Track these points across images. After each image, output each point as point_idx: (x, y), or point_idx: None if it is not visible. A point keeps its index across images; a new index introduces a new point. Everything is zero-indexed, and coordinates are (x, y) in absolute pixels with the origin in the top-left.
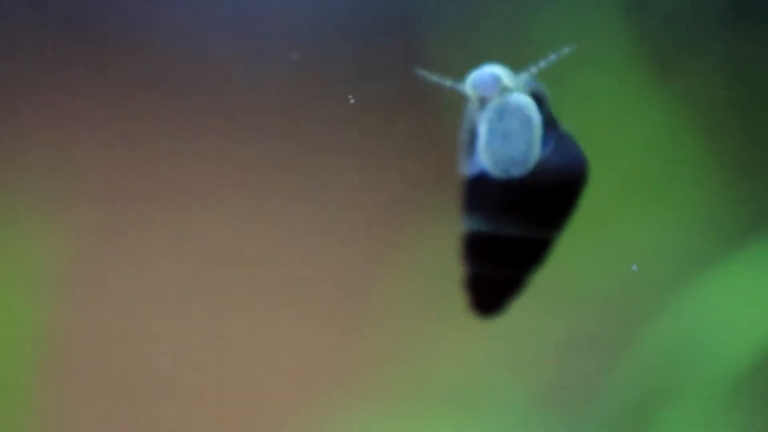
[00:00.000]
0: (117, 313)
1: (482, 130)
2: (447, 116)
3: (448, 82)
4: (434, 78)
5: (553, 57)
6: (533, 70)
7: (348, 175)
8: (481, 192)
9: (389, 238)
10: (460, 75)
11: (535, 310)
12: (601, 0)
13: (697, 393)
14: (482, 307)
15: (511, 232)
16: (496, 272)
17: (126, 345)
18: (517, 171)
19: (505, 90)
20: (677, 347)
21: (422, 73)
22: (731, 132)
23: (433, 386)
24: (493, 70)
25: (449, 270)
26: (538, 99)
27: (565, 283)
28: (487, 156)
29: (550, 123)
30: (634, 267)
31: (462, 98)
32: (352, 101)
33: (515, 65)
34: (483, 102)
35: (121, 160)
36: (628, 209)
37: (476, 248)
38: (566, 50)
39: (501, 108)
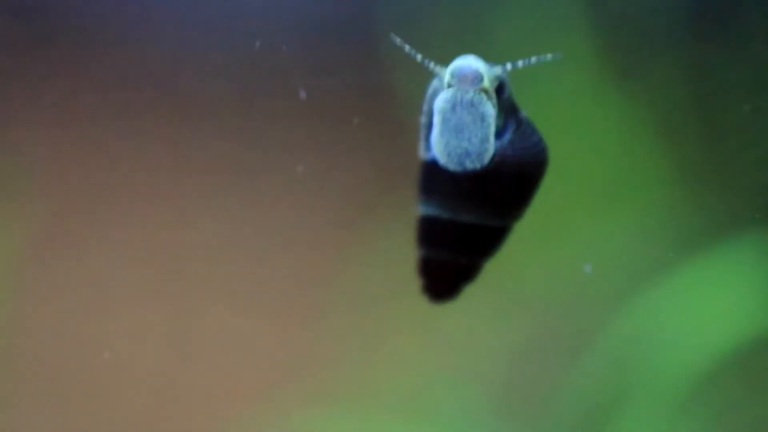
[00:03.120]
0: (69, 312)
1: (435, 119)
2: (400, 111)
3: (419, 56)
4: (407, 48)
5: (533, 59)
6: (509, 66)
7: (299, 170)
8: (438, 176)
9: (343, 236)
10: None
11: (488, 312)
12: (567, 8)
13: (652, 398)
14: (435, 291)
15: (467, 218)
16: (450, 257)
17: (78, 343)
18: (472, 164)
19: (481, 90)
20: (632, 351)
21: (397, 40)
22: (690, 135)
23: (386, 388)
24: (478, 66)
25: (404, 269)
26: (500, 85)
27: (519, 284)
28: (441, 147)
29: (510, 109)
30: (587, 268)
31: (418, 85)
32: (303, 96)
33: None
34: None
35: (72, 156)
36: (584, 210)
37: (431, 232)
38: (549, 57)
39: (453, 99)
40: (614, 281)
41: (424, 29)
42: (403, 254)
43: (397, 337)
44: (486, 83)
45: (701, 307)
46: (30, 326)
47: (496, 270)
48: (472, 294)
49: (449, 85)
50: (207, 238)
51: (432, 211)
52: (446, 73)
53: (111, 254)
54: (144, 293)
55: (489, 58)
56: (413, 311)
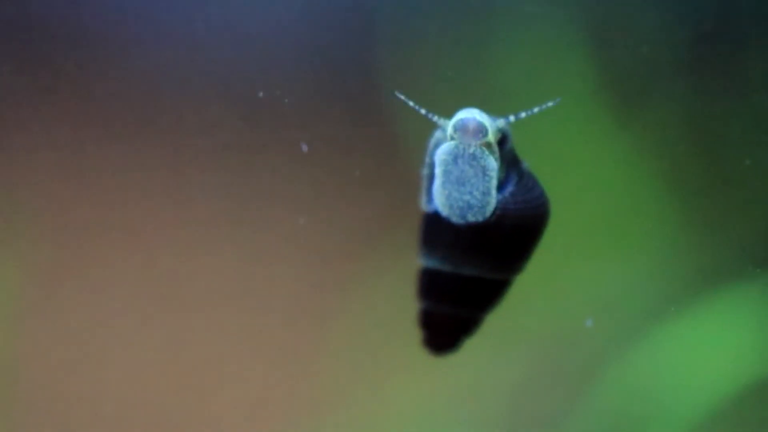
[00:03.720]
0: (69, 343)
1: (437, 171)
2: (402, 163)
3: (422, 110)
4: (411, 104)
5: (535, 110)
6: (512, 118)
7: (301, 222)
8: (440, 229)
9: (344, 288)
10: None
11: (489, 362)
12: (565, 43)
13: None
14: (435, 343)
15: (468, 271)
16: (451, 310)
17: (78, 375)
18: (474, 217)
19: (484, 144)
20: (633, 399)
21: (400, 96)
22: (691, 186)
23: (390, 423)
24: (482, 119)
25: (404, 318)
26: (503, 137)
27: (522, 333)
28: (442, 199)
29: (512, 161)
30: (589, 323)
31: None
32: (304, 149)
33: (473, 102)
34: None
35: (73, 192)
36: (586, 261)
37: (432, 285)
38: (550, 104)
39: (455, 152)
40: (615, 332)
41: (425, 76)
42: (403, 305)
43: (402, 373)
44: (489, 137)
45: (701, 355)
46: (30, 360)
47: (497, 320)
48: (473, 345)
49: (452, 138)
50: (209, 288)
51: (433, 263)
52: (449, 126)
53: (109, 302)
54: (146, 328)
55: (489, 99)
56: (413, 358)
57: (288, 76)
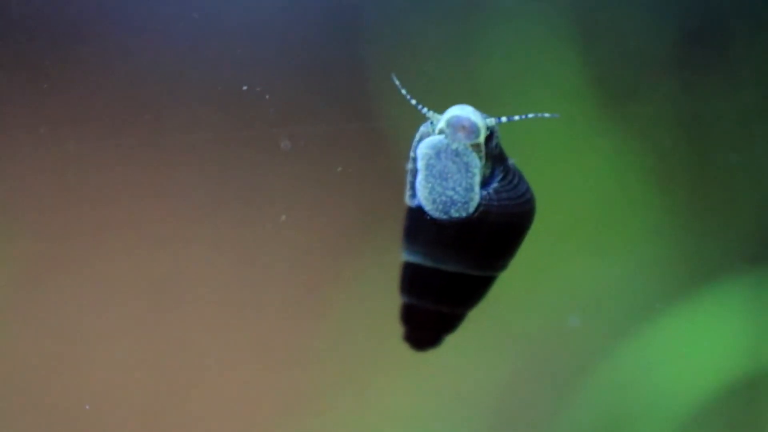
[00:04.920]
0: (50, 348)
1: (419, 164)
2: (385, 159)
3: (414, 101)
4: (404, 91)
5: (530, 115)
6: (504, 120)
7: (282, 219)
8: (423, 224)
9: (327, 285)
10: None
11: (474, 359)
12: (552, 40)
13: None
14: (416, 339)
15: (450, 267)
16: (433, 306)
17: (58, 380)
18: (458, 213)
19: (476, 146)
20: (619, 398)
21: (395, 81)
22: (677, 184)
23: (375, 422)
24: (476, 120)
25: (388, 315)
26: (490, 133)
27: (507, 330)
28: (425, 193)
29: (498, 157)
30: (574, 321)
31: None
32: (286, 146)
33: (459, 99)
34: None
35: (51, 189)
36: (573, 252)
37: (414, 280)
38: (546, 115)
39: (439, 146)
40: (601, 329)
41: (409, 71)
42: (387, 301)
43: (384, 380)
44: (480, 139)
45: (688, 351)
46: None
47: (482, 319)
48: (459, 343)
49: (441, 132)
50: (188, 286)
51: (416, 258)
52: (441, 121)
53: (87, 300)
54: (130, 329)
55: (475, 96)
56: (398, 356)
57: (269, 72)
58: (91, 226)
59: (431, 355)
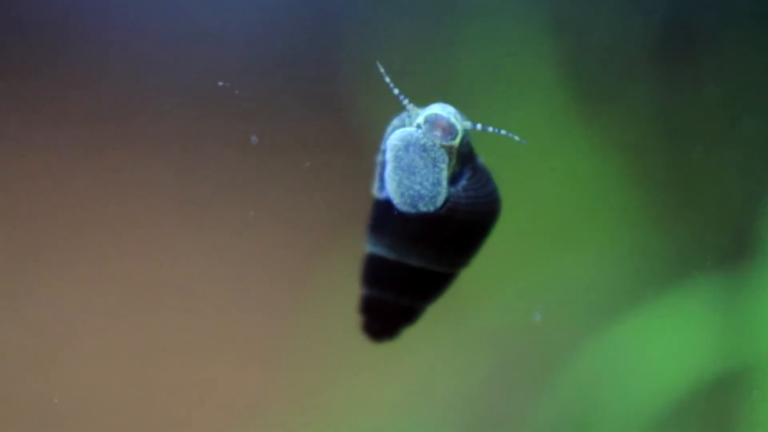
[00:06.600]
0: (29, 343)
1: (388, 156)
2: (353, 154)
3: (396, 90)
4: (387, 80)
5: (503, 132)
6: (478, 126)
7: (251, 214)
8: (389, 216)
9: (295, 281)
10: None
11: (439, 347)
12: (529, 37)
13: None
14: (373, 330)
15: (413, 261)
16: (392, 298)
17: (37, 375)
18: (425, 207)
19: (447, 147)
20: (587, 395)
21: (380, 69)
22: (651, 174)
23: (342, 422)
24: (455, 122)
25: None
26: (463, 135)
27: (473, 326)
28: (393, 185)
29: (467, 155)
30: (538, 317)
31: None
32: (254, 141)
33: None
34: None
35: (18, 185)
36: (537, 254)
37: (376, 272)
38: (516, 138)
39: (408, 139)
40: (566, 327)
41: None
42: (356, 296)
43: (355, 376)
44: (456, 142)
45: (656, 349)
46: None
47: (447, 316)
48: (422, 340)
49: (418, 127)
50: (154, 283)
51: (379, 250)
52: (421, 115)
53: (71, 290)
54: (105, 327)
55: (452, 94)
56: (368, 351)
57: (238, 67)
58: (52, 220)
59: (399, 352)
